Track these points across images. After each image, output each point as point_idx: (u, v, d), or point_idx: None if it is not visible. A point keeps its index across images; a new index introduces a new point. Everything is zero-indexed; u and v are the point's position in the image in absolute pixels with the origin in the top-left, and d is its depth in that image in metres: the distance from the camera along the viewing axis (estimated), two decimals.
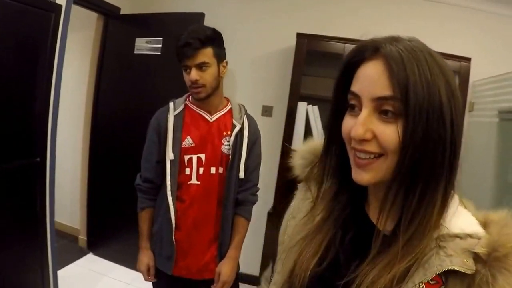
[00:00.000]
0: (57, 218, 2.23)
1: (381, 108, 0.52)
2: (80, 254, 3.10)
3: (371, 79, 0.53)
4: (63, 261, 2.80)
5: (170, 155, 1.44)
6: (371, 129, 0.52)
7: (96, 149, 3.08)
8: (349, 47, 2.20)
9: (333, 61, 2.37)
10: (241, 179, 1.50)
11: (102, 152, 3.03)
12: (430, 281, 0.49)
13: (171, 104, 1.50)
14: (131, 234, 2.84)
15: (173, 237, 1.47)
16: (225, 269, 1.50)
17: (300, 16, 2.67)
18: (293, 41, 2.38)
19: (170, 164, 1.44)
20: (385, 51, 0.52)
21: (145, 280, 1.57)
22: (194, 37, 1.37)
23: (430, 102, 0.50)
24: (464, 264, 0.48)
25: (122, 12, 2.99)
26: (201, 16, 2.57)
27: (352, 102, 0.56)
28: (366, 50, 0.55)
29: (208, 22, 2.56)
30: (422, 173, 0.51)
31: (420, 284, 0.49)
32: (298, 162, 0.74)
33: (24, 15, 1.68)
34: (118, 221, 2.97)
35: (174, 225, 1.46)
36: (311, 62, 2.42)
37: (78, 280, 2.73)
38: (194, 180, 1.47)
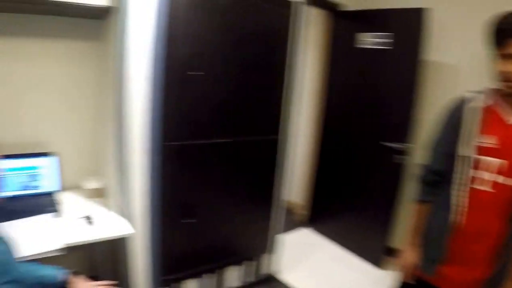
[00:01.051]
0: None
1: None
2: (297, 226, 3.52)
3: None
4: (285, 229, 3.18)
5: (465, 151, 1.27)
6: None
7: (326, 133, 3.39)
8: None
9: None
10: None
11: (331, 137, 3.34)
12: None
13: (472, 95, 1.32)
14: (348, 216, 3.18)
15: (447, 240, 1.34)
16: None
17: None
18: None
19: (463, 160, 1.28)
20: None
21: (404, 280, 1.49)
22: None
23: None
24: None
25: (347, 8, 3.14)
26: (423, 11, 2.47)
27: None
28: None
29: (431, 18, 2.47)
30: None
31: None
32: None
33: (269, 12, 1.99)
34: (338, 202, 3.26)
35: (452, 228, 1.32)
36: None
37: (296, 247, 3.12)
38: (485, 186, 1.25)
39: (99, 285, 1.53)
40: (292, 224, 3.52)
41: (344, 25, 3.09)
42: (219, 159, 2.02)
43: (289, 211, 3.68)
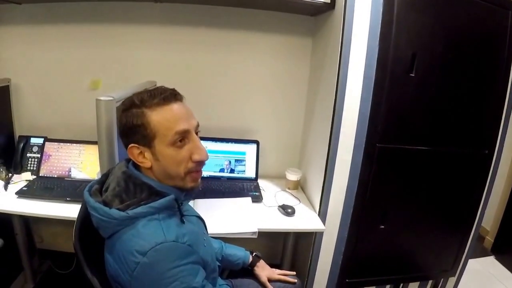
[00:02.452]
0: None
1: None
2: (482, 254, 3.12)
3: None
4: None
5: None
6: None
7: None
8: None
9: None
10: None
11: None
12: None
13: None
14: None
15: None
16: None
17: None
18: None
19: None
20: None
21: None
22: None
23: None
24: None
25: None
26: None
27: None
28: None
29: None
30: None
31: None
32: None
33: (488, 13, 1.76)
34: None
35: None
36: None
37: (475, 275, 2.80)
38: None
39: (280, 273, 1.56)
40: (476, 251, 3.13)
41: None
42: (421, 167, 1.88)
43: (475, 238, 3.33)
